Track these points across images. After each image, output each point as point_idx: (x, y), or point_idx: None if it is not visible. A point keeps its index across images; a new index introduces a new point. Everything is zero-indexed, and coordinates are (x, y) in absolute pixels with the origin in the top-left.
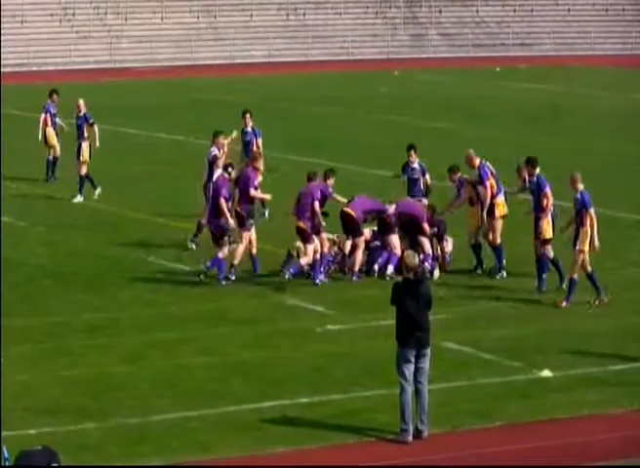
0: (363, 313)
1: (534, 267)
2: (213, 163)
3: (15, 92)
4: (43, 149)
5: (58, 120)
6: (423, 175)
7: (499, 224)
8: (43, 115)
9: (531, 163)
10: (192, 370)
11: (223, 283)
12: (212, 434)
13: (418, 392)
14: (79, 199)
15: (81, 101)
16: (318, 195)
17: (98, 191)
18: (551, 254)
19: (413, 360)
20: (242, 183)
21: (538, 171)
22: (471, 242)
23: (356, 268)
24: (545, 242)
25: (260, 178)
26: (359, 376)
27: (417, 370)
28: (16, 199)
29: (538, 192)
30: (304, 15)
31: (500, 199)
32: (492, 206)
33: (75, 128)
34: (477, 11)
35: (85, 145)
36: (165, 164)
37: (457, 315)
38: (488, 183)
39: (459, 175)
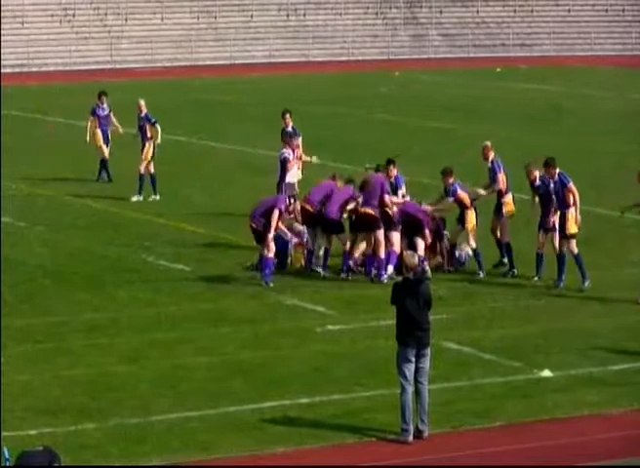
0: (363, 313)
1: (532, 267)
2: (284, 163)
3: (15, 92)
4: (94, 150)
5: (114, 121)
6: (396, 190)
7: (506, 223)
8: (92, 118)
9: (550, 164)
10: (192, 370)
11: (271, 285)
12: (212, 434)
13: (418, 392)
14: (138, 198)
15: (142, 102)
16: (387, 187)
17: (156, 197)
18: (575, 250)
19: (413, 359)
20: (338, 195)
21: (558, 169)
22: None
23: (356, 254)
24: (571, 237)
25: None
26: (359, 376)
27: (417, 370)
28: (16, 199)
29: (562, 189)
30: (305, 15)
31: (509, 197)
32: (499, 204)
33: (138, 128)
34: (477, 11)
35: (148, 145)
36: (165, 164)
37: (457, 315)
38: (500, 176)
39: (452, 179)
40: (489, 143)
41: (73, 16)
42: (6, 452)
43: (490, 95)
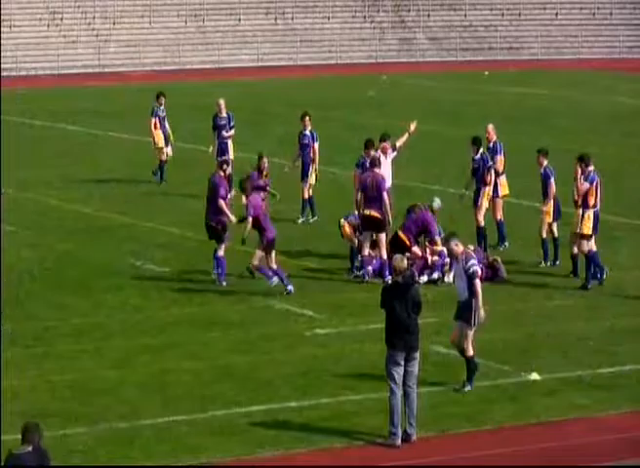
0: (351, 317)
1: (522, 269)
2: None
3: (2, 96)
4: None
5: (167, 126)
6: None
7: (500, 203)
8: (153, 119)
9: (584, 160)
10: (181, 374)
11: (224, 284)
12: (201, 438)
13: (407, 395)
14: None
15: (222, 102)
16: (385, 185)
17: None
18: (585, 250)
19: (402, 363)
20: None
21: (592, 168)
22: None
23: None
24: (582, 237)
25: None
26: (348, 380)
27: (406, 374)
28: (4, 203)
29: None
30: (293, 19)
31: (504, 180)
32: (495, 184)
33: (212, 128)
34: (465, 15)
35: (231, 144)
36: (152, 168)
37: (445, 318)
38: (499, 157)
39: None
40: (492, 126)
41: (61, 19)
42: None
43: (478, 98)
